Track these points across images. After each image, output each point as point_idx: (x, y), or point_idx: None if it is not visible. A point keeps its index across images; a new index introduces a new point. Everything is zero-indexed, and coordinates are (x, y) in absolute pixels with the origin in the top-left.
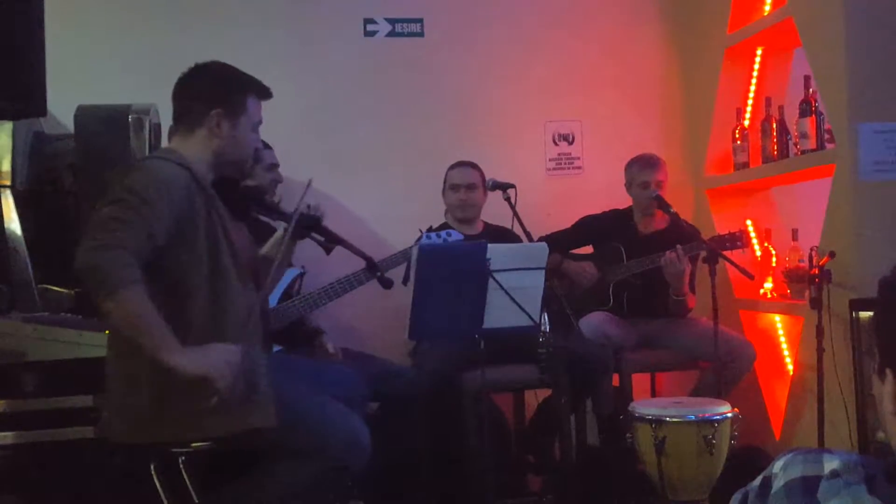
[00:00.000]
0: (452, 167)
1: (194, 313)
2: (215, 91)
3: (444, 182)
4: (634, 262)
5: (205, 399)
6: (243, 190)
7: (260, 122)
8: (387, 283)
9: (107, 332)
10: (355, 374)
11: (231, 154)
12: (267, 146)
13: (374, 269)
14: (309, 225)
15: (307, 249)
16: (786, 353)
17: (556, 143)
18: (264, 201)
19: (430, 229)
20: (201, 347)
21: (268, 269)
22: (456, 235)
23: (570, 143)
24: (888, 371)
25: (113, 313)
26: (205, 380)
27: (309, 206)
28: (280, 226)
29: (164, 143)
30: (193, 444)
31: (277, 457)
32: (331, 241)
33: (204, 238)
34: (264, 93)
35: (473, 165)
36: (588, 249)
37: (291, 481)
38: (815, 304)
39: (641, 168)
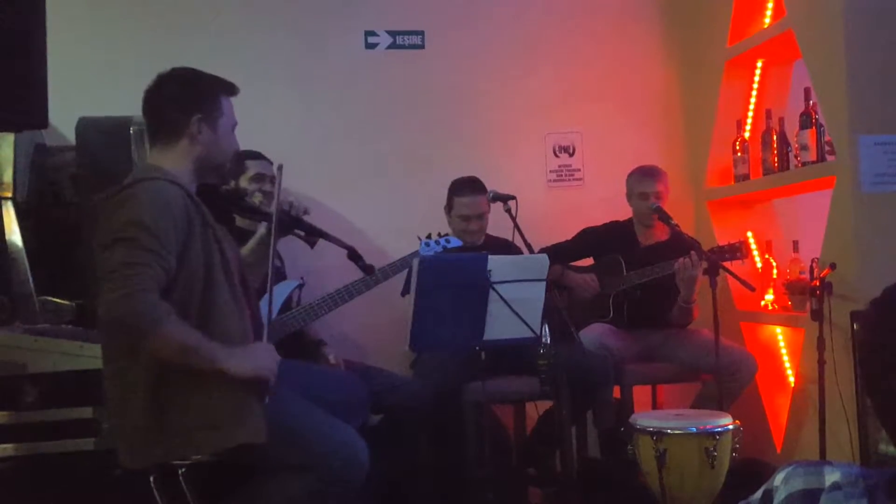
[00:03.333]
0: (461, 193)
1: None
2: (190, 97)
3: (450, 204)
4: (635, 274)
5: (247, 399)
6: (222, 194)
7: (235, 123)
8: (368, 269)
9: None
10: (356, 380)
11: (213, 159)
12: (260, 157)
13: (356, 259)
14: (289, 224)
15: (305, 260)
16: (787, 365)
17: (556, 155)
18: (244, 203)
19: (428, 237)
20: (246, 349)
21: (250, 266)
22: (455, 242)
23: (571, 155)
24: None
25: (158, 352)
26: (259, 379)
27: (291, 205)
28: (262, 226)
29: None
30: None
31: (276, 470)
32: (312, 234)
33: (200, 259)
34: (232, 90)
35: (480, 189)
36: (588, 261)
37: (290, 495)
38: (816, 315)
39: (641, 179)
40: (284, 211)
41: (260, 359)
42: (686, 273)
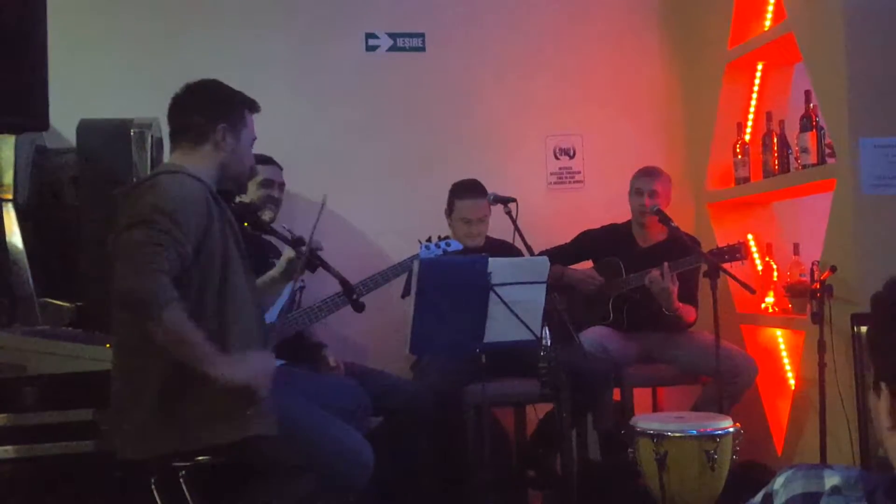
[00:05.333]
0: (461, 197)
1: (201, 327)
2: (218, 106)
3: (450, 208)
4: (634, 277)
5: (239, 405)
6: (237, 206)
7: (255, 137)
8: (358, 308)
9: (108, 345)
10: (357, 387)
11: (234, 168)
12: (271, 162)
13: (349, 293)
14: (306, 262)
15: None
16: (787, 367)
17: (556, 158)
18: (257, 219)
19: (429, 240)
20: (241, 356)
21: (262, 294)
22: (455, 245)
23: (571, 158)
24: (883, 385)
25: (157, 335)
26: (247, 388)
27: (311, 240)
28: (277, 266)
29: (167, 157)
30: (196, 458)
31: (278, 472)
32: (316, 266)
33: (217, 252)
34: (255, 106)
35: (481, 192)
36: (588, 264)
37: (292, 497)
38: (817, 318)
39: (640, 176)
40: (309, 248)
41: (254, 367)
42: (657, 286)
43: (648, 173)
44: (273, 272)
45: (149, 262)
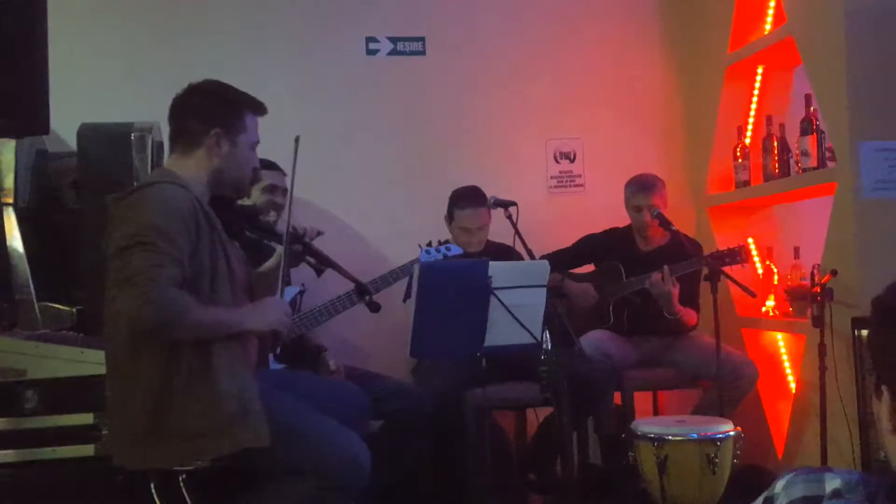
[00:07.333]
0: (461, 206)
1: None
2: (213, 110)
3: (450, 215)
4: (633, 280)
5: (229, 418)
6: (237, 209)
7: (257, 141)
8: (374, 308)
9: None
10: (357, 390)
11: (229, 173)
12: (275, 167)
13: (362, 293)
14: (298, 242)
15: (306, 268)
16: (788, 371)
17: (557, 161)
18: (258, 222)
19: (429, 244)
20: (258, 306)
21: (263, 286)
22: (455, 249)
23: (572, 161)
24: (884, 389)
25: (192, 337)
26: (275, 333)
27: (305, 230)
28: (273, 256)
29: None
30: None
31: (277, 475)
32: (321, 263)
33: (206, 264)
34: (260, 109)
35: (481, 201)
36: (589, 268)
37: (290, 500)
38: (818, 322)
39: (635, 192)
40: (298, 235)
41: (273, 313)
42: (658, 289)
43: (643, 187)
44: (270, 262)
45: (153, 287)
